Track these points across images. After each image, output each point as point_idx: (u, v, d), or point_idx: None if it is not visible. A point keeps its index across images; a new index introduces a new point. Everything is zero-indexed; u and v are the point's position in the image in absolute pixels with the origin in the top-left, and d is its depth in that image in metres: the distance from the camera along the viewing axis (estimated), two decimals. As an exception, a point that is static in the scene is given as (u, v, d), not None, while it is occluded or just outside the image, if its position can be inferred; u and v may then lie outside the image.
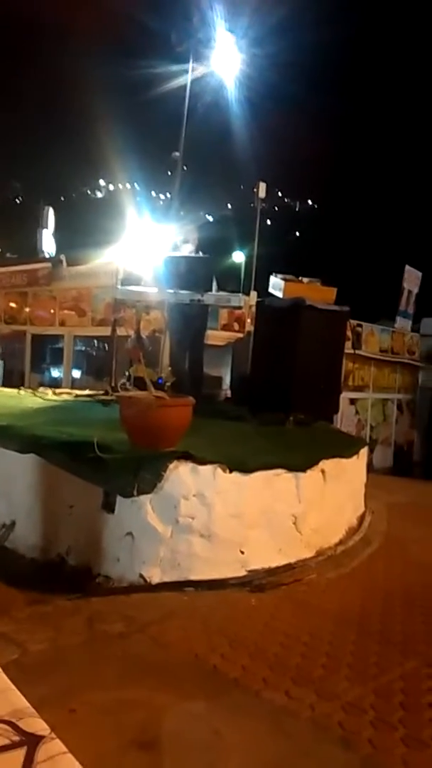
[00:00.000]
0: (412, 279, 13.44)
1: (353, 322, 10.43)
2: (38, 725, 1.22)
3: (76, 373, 10.31)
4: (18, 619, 2.93)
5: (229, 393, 7.68)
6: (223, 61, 9.90)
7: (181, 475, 3.43)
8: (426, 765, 2.10)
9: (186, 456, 3.46)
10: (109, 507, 3.39)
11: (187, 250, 6.62)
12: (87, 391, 6.62)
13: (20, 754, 1.14)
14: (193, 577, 3.42)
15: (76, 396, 6.40)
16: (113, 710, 2.25)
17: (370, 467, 5.57)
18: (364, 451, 5.21)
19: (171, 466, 3.40)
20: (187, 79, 9.21)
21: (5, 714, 1.25)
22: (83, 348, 10.75)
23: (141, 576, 3.35)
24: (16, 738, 1.18)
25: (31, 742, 1.17)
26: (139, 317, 6.44)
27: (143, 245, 7.41)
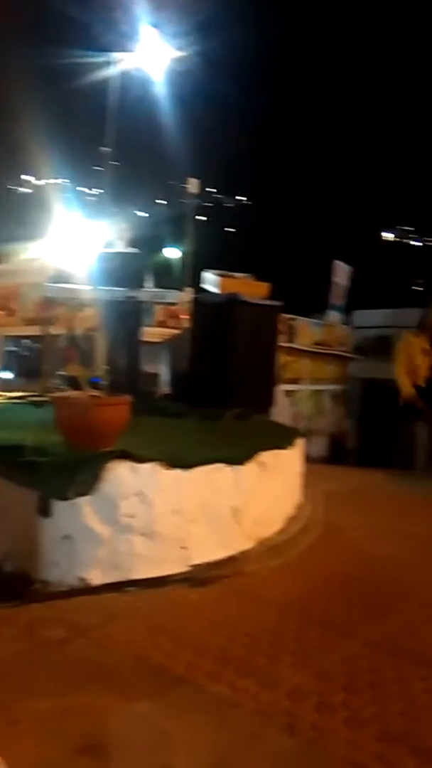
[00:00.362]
0: (341, 273, 13.81)
1: (287, 316, 10.62)
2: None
3: (7, 375, 9.96)
4: None
5: (167, 389, 7.65)
6: (150, 56, 9.83)
7: (120, 475, 3.39)
8: (369, 744, 2.16)
9: (124, 455, 3.42)
10: (44, 511, 3.30)
11: (120, 246, 6.54)
12: (19, 393, 6.41)
13: None
14: (135, 576, 3.39)
15: (8, 398, 6.19)
16: (57, 718, 2.20)
17: (306, 457, 5.69)
18: (300, 442, 5.32)
19: (109, 466, 3.35)
20: (112, 71, 9.07)
21: None
22: (14, 348, 10.39)
23: (81, 579, 3.29)
24: None
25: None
26: (72, 315, 6.31)
27: (74, 241, 7.25)
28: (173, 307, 8.68)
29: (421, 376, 9.19)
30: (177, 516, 3.58)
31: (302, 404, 12.24)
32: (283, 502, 4.70)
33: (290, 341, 11.27)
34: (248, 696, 2.41)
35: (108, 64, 8.76)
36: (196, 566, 3.62)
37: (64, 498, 3.23)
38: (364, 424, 13.66)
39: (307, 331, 12.28)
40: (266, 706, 2.35)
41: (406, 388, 9.32)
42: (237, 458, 3.99)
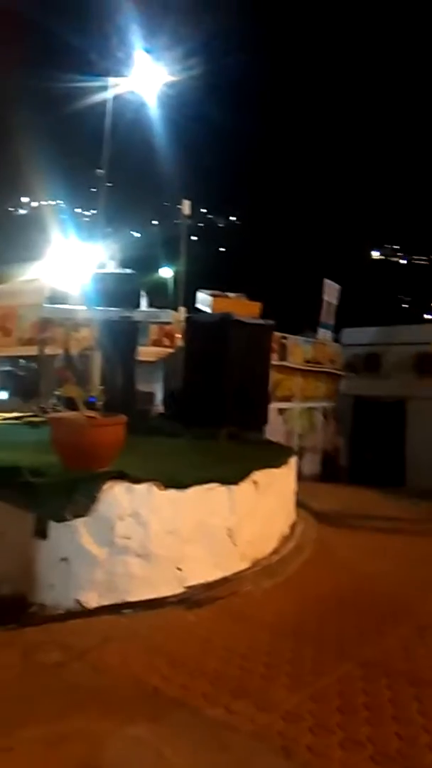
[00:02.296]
0: (331, 292, 13.96)
1: (278, 334, 10.71)
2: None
3: (2, 395, 9.95)
4: None
5: (161, 408, 7.68)
6: (144, 81, 10.02)
7: (116, 496, 3.41)
8: (364, 765, 2.18)
9: (120, 475, 3.45)
10: (41, 533, 3.31)
11: (114, 266, 6.61)
12: (14, 414, 6.42)
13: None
14: (131, 598, 3.40)
15: (4, 419, 6.19)
16: (53, 744, 2.20)
17: (299, 475, 5.72)
18: (293, 460, 5.36)
19: (105, 486, 3.38)
20: (107, 96, 9.23)
21: None
22: (9, 368, 10.39)
23: (77, 601, 3.29)
24: None
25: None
26: (67, 336, 6.35)
27: (69, 262, 7.32)
28: (168, 327, 8.74)
29: None
30: (172, 537, 3.59)
31: (294, 422, 12.28)
32: (276, 521, 4.72)
33: (282, 359, 11.35)
34: (244, 719, 2.42)
35: (103, 88, 8.92)
36: (191, 587, 3.62)
37: (61, 519, 3.24)
38: (356, 441, 13.72)
39: (298, 349, 12.37)
40: (262, 729, 2.36)
41: None
42: (231, 478, 4.02)
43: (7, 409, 6.39)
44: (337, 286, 14.13)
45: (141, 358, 6.91)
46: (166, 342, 9.18)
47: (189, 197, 10.57)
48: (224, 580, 3.81)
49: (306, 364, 12.54)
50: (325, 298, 13.71)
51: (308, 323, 13.82)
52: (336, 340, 14.20)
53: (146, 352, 8.02)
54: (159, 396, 8.07)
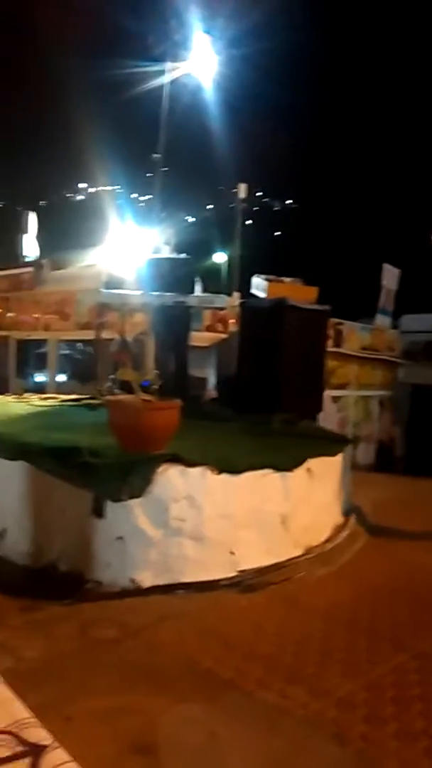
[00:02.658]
0: (390, 277, 13.56)
1: (334, 320, 10.52)
2: (40, 735, 1.23)
3: (61, 378, 10.24)
4: (11, 627, 2.93)
5: (214, 394, 7.70)
6: (201, 63, 9.94)
7: (171, 478, 3.45)
8: (417, 758, 2.15)
9: (175, 459, 3.48)
10: (99, 512, 3.39)
11: (169, 251, 6.64)
12: (73, 396, 6.59)
13: (24, 764, 1.15)
14: (184, 579, 3.44)
15: (63, 401, 6.37)
16: (109, 716, 2.27)
17: (354, 464, 5.63)
18: (348, 449, 5.27)
19: (160, 469, 3.42)
20: (164, 80, 9.21)
21: (7, 725, 1.26)
22: (68, 352, 10.69)
23: (132, 580, 3.37)
24: (19, 748, 1.19)
25: (35, 752, 1.18)
26: (123, 320, 6.43)
27: (125, 248, 7.40)
28: (221, 312, 8.73)
29: None
30: (225, 521, 3.61)
31: (349, 410, 12.08)
32: (330, 510, 4.67)
33: (338, 346, 11.15)
34: (297, 704, 2.42)
35: (160, 72, 8.90)
36: (244, 572, 3.64)
37: (118, 499, 3.31)
38: (413, 430, 13.37)
39: (354, 336, 12.12)
40: (315, 715, 2.36)
41: None
42: (285, 464, 3.99)
43: (66, 391, 6.57)
44: (396, 271, 13.73)
45: (194, 343, 6.94)
46: (220, 327, 9.19)
47: (245, 180, 10.47)
48: (277, 566, 3.81)
49: (362, 351, 12.29)
50: (384, 283, 13.34)
51: (366, 309, 13.52)
52: (394, 326, 13.83)
53: (200, 338, 8.05)
54: (212, 381, 8.09)
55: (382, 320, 13.36)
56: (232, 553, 3.63)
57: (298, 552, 4.02)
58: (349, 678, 2.65)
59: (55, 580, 3.45)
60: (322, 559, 4.10)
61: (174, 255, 6.72)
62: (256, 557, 3.73)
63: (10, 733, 1.24)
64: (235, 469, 3.68)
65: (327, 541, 4.40)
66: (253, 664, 2.72)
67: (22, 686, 2.13)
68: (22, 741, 1.22)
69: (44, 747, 1.20)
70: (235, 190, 10.58)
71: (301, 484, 4.12)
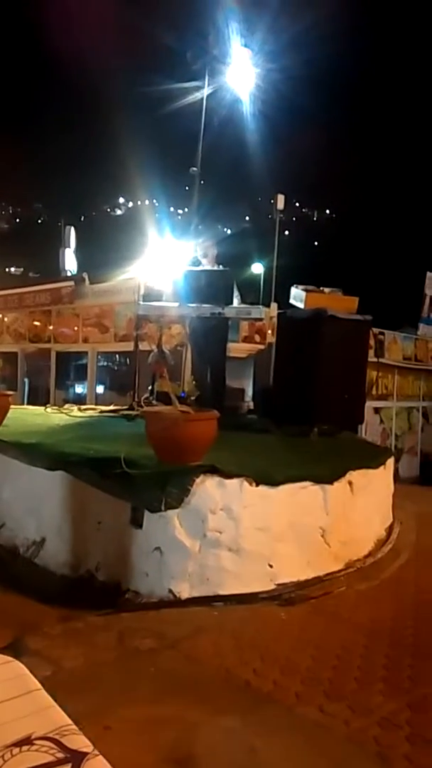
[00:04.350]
0: (434, 285, 13.34)
1: (375, 330, 10.37)
2: (81, 742, 1.24)
3: (100, 389, 10.41)
4: (50, 636, 2.96)
5: (251, 405, 7.68)
6: (239, 77, 10.02)
7: (208, 489, 3.44)
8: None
9: (213, 470, 3.47)
10: (137, 522, 3.41)
11: (207, 263, 6.68)
12: (111, 407, 6.68)
13: (66, 771, 1.16)
14: (222, 591, 3.41)
15: (101, 412, 6.46)
16: (148, 727, 2.26)
17: (396, 477, 5.51)
18: (390, 461, 5.16)
19: (198, 480, 3.41)
20: (203, 95, 9.31)
21: (49, 731, 1.27)
22: (106, 364, 10.87)
23: (170, 591, 3.36)
24: (61, 755, 1.19)
25: (76, 758, 1.18)
26: (161, 332, 6.50)
27: (163, 260, 7.49)
28: (259, 323, 8.72)
29: None
30: (263, 533, 3.58)
31: (391, 422, 11.86)
32: (372, 524, 4.58)
33: (379, 356, 10.98)
34: (338, 721, 2.36)
35: (198, 87, 9.01)
36: (282, 585, 3.59)
37: (156, 510, 3.32)
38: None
39: (396, 346, 11.93)
40: (357, 733, 2.29)
41: None
42: (325, 477, 3.94)
43: (104, 402, 6.65)
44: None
45: (231, 354, 6.94)
46: (257, 338, 9.19)
47: (283, 191, 10.50)
48: (317, 580, 3.74)
49: (405, 362, 12.07)
50: (428, 292, 13.12)
51: (408, 319, 13.29)
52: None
53: (237, 349, 8.06)
54: (249, 392, 8.07)
55: (425, 329, 13.12)
56: (270, 565, 3.58)
57: (338, 566, 3.95)
58: (391, 696, 2.57)
59: (93, 589, 3.48)
60: (363, 573, 4.01)
61: (211, 267, 6.75)
62: (294, 570, 3.68)
63: (52, 739, 1.25)
64: (273, 481, 3.65)
65: (368, 555, 4.31)
66: (292, 678, 2.67)
67: (61, 695, 2.15)
68: (63, 748, 1.22)
69: (85, 754, 1.21)
70: (273, 201, 10.61)
71: (342, 497, 4.05)
